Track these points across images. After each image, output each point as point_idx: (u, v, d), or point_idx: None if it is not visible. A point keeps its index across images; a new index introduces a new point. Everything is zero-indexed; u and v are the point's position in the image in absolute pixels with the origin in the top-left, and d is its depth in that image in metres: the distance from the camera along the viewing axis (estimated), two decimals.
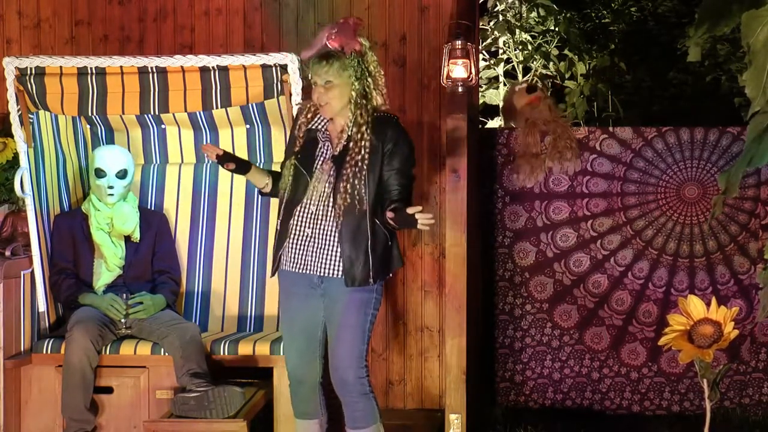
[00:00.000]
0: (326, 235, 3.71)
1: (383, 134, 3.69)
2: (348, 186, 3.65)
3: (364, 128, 3.68)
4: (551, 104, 5.32)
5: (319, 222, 3.72)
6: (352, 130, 3.70)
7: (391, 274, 3.83)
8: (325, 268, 3.71)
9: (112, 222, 4.49)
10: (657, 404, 5.23)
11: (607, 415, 5.22)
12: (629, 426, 5.09)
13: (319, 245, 3.72)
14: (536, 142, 5.15)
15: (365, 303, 3.71)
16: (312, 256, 3.74)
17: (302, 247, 3.75)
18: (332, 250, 3.70)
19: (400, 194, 3.67)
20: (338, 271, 3.70)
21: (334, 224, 3.69)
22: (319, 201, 3.72)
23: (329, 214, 3.70)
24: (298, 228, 3.75)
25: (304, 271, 3.76)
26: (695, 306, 2.77)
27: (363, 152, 3.67)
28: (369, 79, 3.69)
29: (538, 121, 5.17)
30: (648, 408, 5.23)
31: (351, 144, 3.69)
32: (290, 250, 3.77)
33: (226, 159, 3.84)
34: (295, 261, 3.77)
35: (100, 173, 4.49)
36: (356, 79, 3.67)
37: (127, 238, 4.54)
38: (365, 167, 3.66)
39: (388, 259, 3.75)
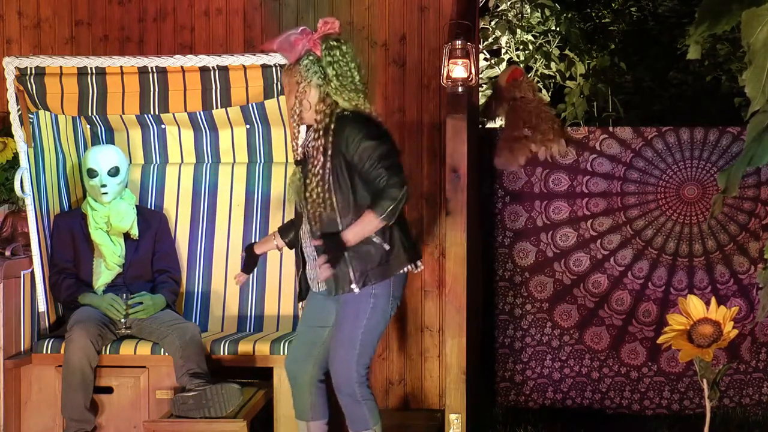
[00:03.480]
0: (314, 249, 3.74)
1: (341, 134, 3.61)
2: (314, 194, 3.64)
3: (320, 134, 3.64)
4: (535, 87, 5.27)
5: (309, 239, 3.76)
6: (308, 139, 3.72)
7: (396, 277, 3.70)
8: (321, 282, 3.75)
9: (110, 220, 4.49)
10: (657, 403, 5.23)
11: (607, 415, 5.23)
12: (629, 425, 5.09)
13: (313, 261, 3.76)
14: (518, 125, 5.09)
15: (360, 311, 3.66)
16: (311, 274, 3.81)
17: (307, 267, 3.84)
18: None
19: (388, 179, 3.55)
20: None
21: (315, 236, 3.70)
22: (306, 218, 3.76)
23: (314, 228, 3.71)
24: (302, 250, 3.84)
25: (314, 290, 3.85)
26: (695, 306, 2.77)
27: (322, 158, 3.62)
28: (331, 83, 3.64)
29: (521, 102, 5.12)
30: (648, 407, 5.23)
31: (310, 153, 3.69)
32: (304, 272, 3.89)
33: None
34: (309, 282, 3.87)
35: (92, 173, 4.49)
36: (309, 84, 3.65)
37: (127, 237, 4.54)
38: (328, 172, 3.61)
39: (381, 263, 3.65)
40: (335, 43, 3.65)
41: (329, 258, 3.60)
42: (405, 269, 3.72)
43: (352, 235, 3.60)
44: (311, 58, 3.65)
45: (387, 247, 3.64)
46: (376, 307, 3.67)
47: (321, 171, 3.62)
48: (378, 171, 3.57)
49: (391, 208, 3.54)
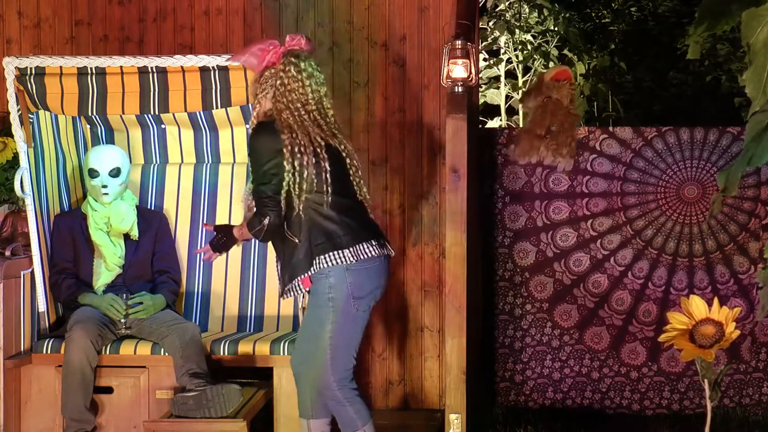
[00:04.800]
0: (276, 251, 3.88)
1: (250, 137, 3.79)
2: (249, 201, 3.84)
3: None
4: (573, 95, 5.27)
5: None
6: None
7: (305, 274, 3.69)
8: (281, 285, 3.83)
9: (110, 221, 4.49)
10: (657, 403, 5.23)
11: (607, 415, 5.22)
12: (629, 425, 5.09)
13: (277, 263, 3.88)
14: (543, 125, 5.08)
15: (323, 318, 3.70)
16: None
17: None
18: (279, 265, 3.85)
19: (256, 207, 3.72)
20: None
21: None
22: None
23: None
24: None
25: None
26: (697, 306, 2.77)
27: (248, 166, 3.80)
28: (282, 97, 3.75)
29: (554, 104, 5.10)
30: (648, 407, 5.23)
31: None
32: None
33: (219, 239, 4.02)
34: None
35: (93, 173, 4.49)
36: (264, 96, 3.79)
37: (127, 238, 4.54)
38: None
39: (297, 257, 3.70)
40: (293, 60, 3.77)
41: (212, 242, 3.93)
42: (331, 262, 3.66)
43: (237, 232, 3.88)
44: (272, 71, 3.78)
45: (297, 240, 3.69)
46: (337, 311, 3.68)
47: (249, 177, 3.85)
48: (256, 187, 3.72)
49: (255, 230, 3.72)
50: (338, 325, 3.69)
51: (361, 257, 3.68)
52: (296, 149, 3.66)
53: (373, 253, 3.73)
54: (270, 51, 3.77)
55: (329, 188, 3.69)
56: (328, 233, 3.67)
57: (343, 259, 3.66)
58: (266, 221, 3.67)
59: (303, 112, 3.72)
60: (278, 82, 3.74)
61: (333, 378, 3.71)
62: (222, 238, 3.93)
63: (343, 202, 3.73)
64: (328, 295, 3.68)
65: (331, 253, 3.66)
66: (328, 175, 3.68)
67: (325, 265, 3.65)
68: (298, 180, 3.65)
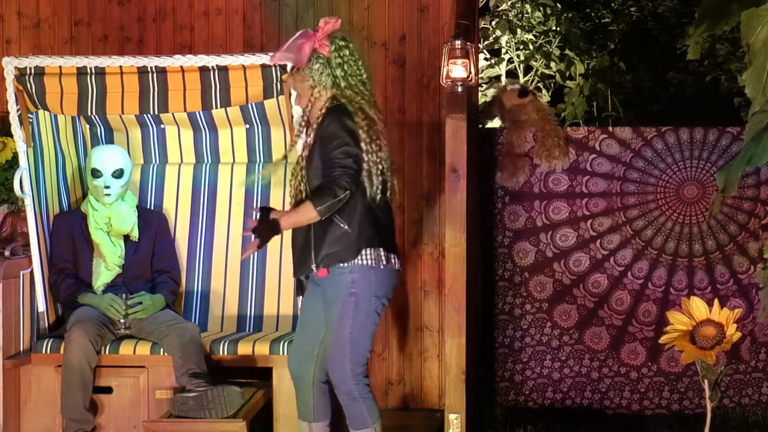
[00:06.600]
0: (296, 231, 3.77)
1: (324, 120, 3.67)
2: (294, 183, 3.74)
3: (316, 122, 3.70)
4: (540, 106, 5.30)
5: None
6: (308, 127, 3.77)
7: (345, 263, 3.66)
8: (302, 266, 3.77)
9: (110, 222, 4.49)
10: (656, 403, 5.23)
11: (607, 415, 5.22)
12: (629, 425, 5.09)
13: (295, 243, 3.79)
14: (521, 144, 5.16)
15: (343, 311, 3.68)
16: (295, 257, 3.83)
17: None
18: (300, 246, 3.75)
19: (339, 176, 3.58)
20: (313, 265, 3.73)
21: None
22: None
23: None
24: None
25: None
26: (697, 307, 2.77)
27: (307, 152, 3.70)
28: (342, 83, 3.70)
29: (526, 124, 5.16)
30: (647, 407, 5.23)
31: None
32: None
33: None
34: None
35: (96, 173, 4.49)
36: (324, 88, 3.70)
37: (126, 238, 4.54)
38: (306, 162, 3.70)
39: (342, 246, 3.64)
40: (343, 43, 3.71)
41: (259, 236, 3.66)
42: (371, 261, 3.67)
43: (286, 222, 3.66)
44: (321, 60, 3.69)
45: (347, 228, 3.64)
46: (359, 307, 3.68)
47: (303, 162, 3.72)
48: (336, 161, 3.60)
49: (329, 203, 3.57)
50: (359, 319, 3.69)
51: (392, 262, 3.73)
52: (371, 133, 3.64)
53: (395, 262, 3.77)
54: (309, 40, 3.68)
55: (386, 173, 3.69)
56: (378, 226, 3.68)
57: (381, 260, 3.67)
58: (347, 194, 3.56)
59: (365, 92, 3.71)
60: (338, 70, 3.68)
61: (351, 372, 3.69)
62: (268, 223, 3.68)
63: (386, 203, 3.76)
64: (350, 290, 3.67)
65: (378, 249, 3.66)
66: (384, 162, 3.69)
67: (367, 261, 3.65)
68: (375, 160, 3.63)
